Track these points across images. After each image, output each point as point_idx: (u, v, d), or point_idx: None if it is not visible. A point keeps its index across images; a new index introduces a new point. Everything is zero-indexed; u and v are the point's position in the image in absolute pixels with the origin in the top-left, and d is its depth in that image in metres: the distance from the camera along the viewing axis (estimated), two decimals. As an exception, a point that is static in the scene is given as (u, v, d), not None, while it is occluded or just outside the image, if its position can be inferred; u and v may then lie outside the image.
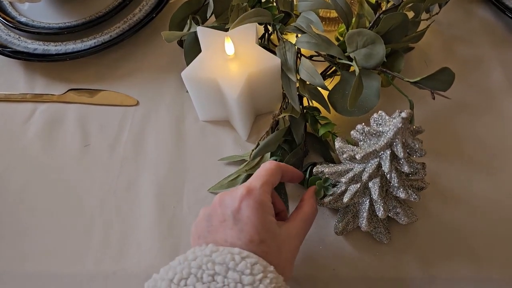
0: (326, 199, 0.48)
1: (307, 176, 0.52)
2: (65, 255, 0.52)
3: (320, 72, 0.57)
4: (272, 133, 0.55)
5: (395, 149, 0.40)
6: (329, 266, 0.50)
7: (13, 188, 0.57)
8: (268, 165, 0.44)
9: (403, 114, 0.38)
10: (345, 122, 0.57)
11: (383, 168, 0.41)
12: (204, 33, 0.55)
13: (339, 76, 0.57)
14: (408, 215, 0.48)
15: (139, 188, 0.56)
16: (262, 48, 0.53)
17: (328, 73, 0.59)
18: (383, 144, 0.40)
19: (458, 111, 0.60)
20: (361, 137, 0.44)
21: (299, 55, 0.57)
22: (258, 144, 0.54)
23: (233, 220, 0.39)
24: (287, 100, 0.56)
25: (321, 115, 0.56)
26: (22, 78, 0.65)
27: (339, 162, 0.51)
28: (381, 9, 0.59)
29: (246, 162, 0.54)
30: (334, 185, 0.51)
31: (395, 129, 0.39)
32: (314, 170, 0.49)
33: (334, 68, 0.59)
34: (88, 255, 0.52)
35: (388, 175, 0.42)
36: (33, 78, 0.65)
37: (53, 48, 0.63)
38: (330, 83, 0.59)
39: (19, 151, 0.59)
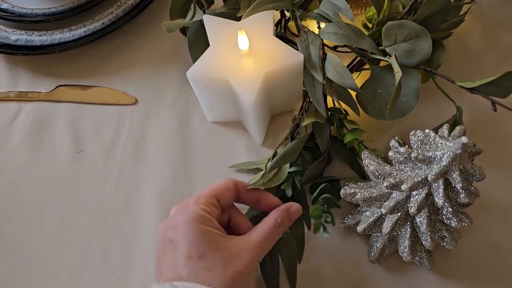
0: (359, 228, 0.41)
1: (315, 194, 0.45)
2: (57, 281, 0.46)
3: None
4: (291, 140, 0.47)
5: (450, 178, 0.33)
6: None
7: (-3, 202, 0.50)
8: (221, 181, 0.41)
9: (464, 139, 0.31)
10: (374, 123, 0.50)
11: (436, 200, 0.34)
12: (211, 23, 0.46)
13: (367, 70, 0.49)
14: (455, 237, 0.41)
15: (140, 201, 0.50)
16: (281, 41, 0.45)
17: (354, 67, 0.51)
18: (436, 173, 0.32)
19: (503, 109, 0.52)
20: (401, 158, 0.36)
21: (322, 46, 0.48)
22: (275, 153, 0.46)
23: (170, 241, 0.36)
24: (308, 100, 0.49)
25: (348, 118, 0.48)
26: (3, 73, 0.57)
27: (369, 177, 0.44)
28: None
29: (262, 173, 0.47)
30: (357, 206, 0.45)
31: (452, 156, 0.31)
32: (342, 193, 0.42)
33: (361, 60, 0.51)
34: (83, 280, 0.46)
35: (441, 206, 0.35)
36: (16, 74, 0.57)
37: (37, 38, 0.55)
38: (357, 78, 0.51)
39: (2, 159, 0.52)
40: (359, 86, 0.46)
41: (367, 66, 0.50)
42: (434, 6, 0.45)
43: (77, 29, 0.55)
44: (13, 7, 0.57)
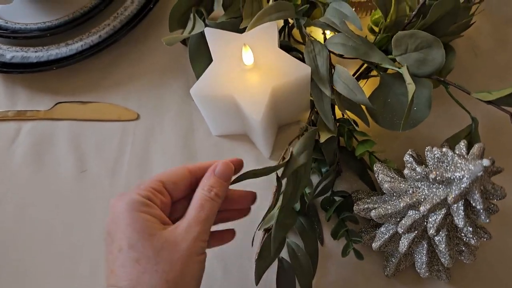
0: (375, 245, 0.40)
1: (331, 211, 0.44)
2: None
3: (352, 74, 0.48)
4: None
5: (471, 199, 0.32)
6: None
7: (1, 225, 0.49)
8: (172, 168, 0.37)
9: (485, 162, 0.29)
10: (384, 130, 0.48)
11: (456, 222, 0.33)
12: (213, 36, 0.45)
13: (376, 77, 0.47)
14: (472, 251, 0.40)
15: (148, 219, 0.48)
16: (287, 54, 0.43)
17: (362, 74, 0.50)
18: (456, 195, 0.31)
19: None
20: (417, 177, 0.35)
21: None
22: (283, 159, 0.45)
23: (107, 234, 0.33)
24: (316, 110, 0.47)
25: (357, 128, 0.47)
26: (0, 92, 0.56)
27: (379, 188, 0.43)
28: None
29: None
30: (371, 220, 0.44)
31: (472, 178, 0.30)
32: (355, 209, 0.41)
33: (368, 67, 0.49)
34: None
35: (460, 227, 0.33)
36: (13, 92, 0.56)
37: (33, 54, 0.53)
38: (365, 85, 0.50)
39: (6, 180, 0.51)
40: (367, 94, 0.44)
41: (374, 72, 0.49)
42: (443, 9, 0.44)
43: (73, 43, 0.54)
44: (7, 23, 0.55)
